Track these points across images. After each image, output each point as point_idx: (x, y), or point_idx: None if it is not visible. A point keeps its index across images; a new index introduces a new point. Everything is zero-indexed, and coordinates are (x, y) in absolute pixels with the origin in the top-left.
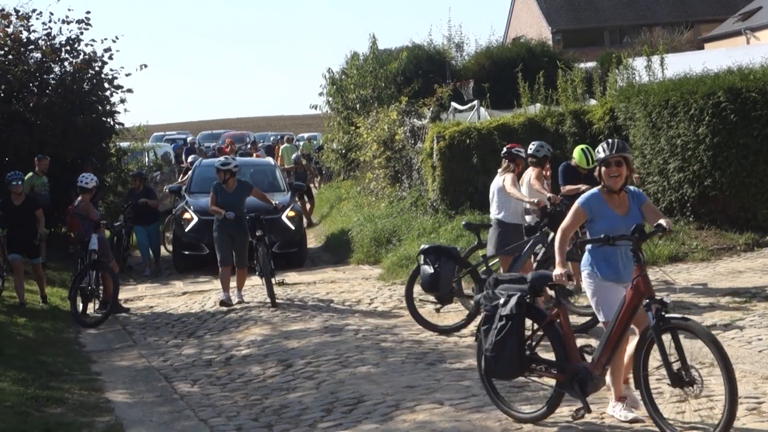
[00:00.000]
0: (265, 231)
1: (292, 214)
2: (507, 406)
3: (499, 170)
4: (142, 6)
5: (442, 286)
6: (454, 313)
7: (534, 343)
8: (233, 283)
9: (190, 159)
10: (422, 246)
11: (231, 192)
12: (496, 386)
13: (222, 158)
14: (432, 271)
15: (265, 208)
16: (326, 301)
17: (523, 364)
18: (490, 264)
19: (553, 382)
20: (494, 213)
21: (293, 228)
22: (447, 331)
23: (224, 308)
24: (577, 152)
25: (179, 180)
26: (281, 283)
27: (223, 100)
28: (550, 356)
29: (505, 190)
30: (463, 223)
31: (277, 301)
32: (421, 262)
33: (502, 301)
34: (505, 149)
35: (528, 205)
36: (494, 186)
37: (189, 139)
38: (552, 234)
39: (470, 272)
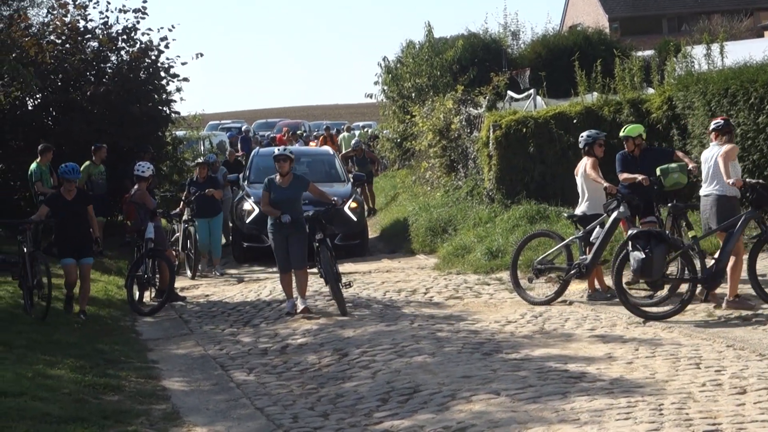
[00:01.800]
0: (326, 233)
1: (354, 205)
2: None
3: (713, 143)
4: None
5: (655, 271)
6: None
7: None
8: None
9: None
10: (630, 231)
11: (286, 187)
12: None
13: (281, 148)
14: (643, 256)
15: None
16: (382, 291)
17: None
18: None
19: None
20: (712, 187)
21: (355, 219)
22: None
23: (285, 306)
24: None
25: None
26: (348, 286)
27: (278, 89)
28: None
29: (722, 163)
30: (670, 206)
31: (348, 308)
32: (629, 248)
33: None
34: (721, 121)
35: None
36: (710, 159)
37: (244, 128)
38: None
39: (682, 254)
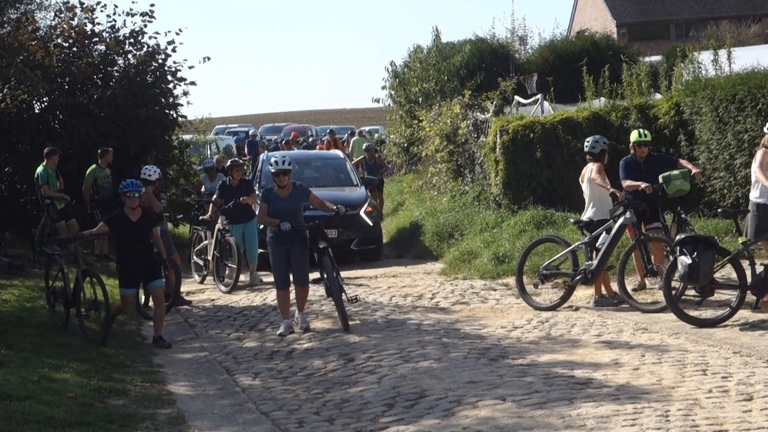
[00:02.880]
0: (329, 242)
1: (369, 209)
2: None
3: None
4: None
5: (702, 277)
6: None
7: None
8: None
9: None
10: (678, 237)
11: (285, 198)
12: None
13: (281, 157)
14: (690, 261)
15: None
16: (388, 296)
17: None
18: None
19: None
20: (754, 197)
21: (371, 224)
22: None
23: (281, 328)
24: (633, 134)
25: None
26: (354, 301)
27: (285, 93)
28: None
29: (760, 172)
30: (719, 211)
31: (350, 323)
32: (677, 253)
33: None
34: None
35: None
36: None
37: (251, 131)
38: None
39: (731, 260)
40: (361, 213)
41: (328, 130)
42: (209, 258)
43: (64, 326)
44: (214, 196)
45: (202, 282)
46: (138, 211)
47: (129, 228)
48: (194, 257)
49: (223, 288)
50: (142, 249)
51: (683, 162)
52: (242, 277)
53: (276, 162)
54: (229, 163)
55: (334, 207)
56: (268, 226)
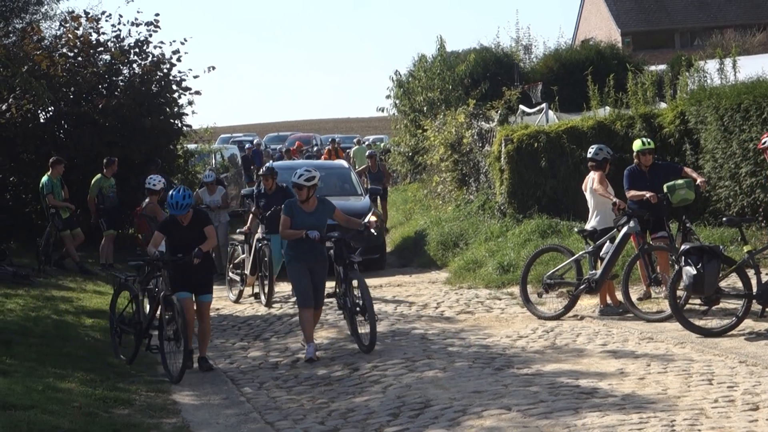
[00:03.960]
0: (357, 256)
1: (373, 219)
2: None
3: None
4: (210, 8)
5: (707, 287)
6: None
7: None
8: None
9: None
10: (683, 247)
11: (310, 213)
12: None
13: (302, 171)
14: (695, 272)
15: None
16: (393, 305)
17: None
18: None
19: None
20: None
21: (375, 234)
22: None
23: (306, 352)
24: (636, 143)
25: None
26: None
27: (289, 102)
28: None
29: None
30: (724, 219)
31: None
32: (682, 263)
33: None
34: None
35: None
36: None
37: (255, 141)
38: None
39: (736, 270)
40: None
41: (330, 139)
42: (246, 272)
43: (131, 360)
44: (253, 207)
45: (237, 300)
46: (189, 215)
47: (181, 233)
48: (229, 273)
49: (263, 299)
50: (194, 247)
51: (688, 170)
52: (276, 289)
53: (300, 175)
54: (263, 170)
55: (364, 222)
56: (291, 239)
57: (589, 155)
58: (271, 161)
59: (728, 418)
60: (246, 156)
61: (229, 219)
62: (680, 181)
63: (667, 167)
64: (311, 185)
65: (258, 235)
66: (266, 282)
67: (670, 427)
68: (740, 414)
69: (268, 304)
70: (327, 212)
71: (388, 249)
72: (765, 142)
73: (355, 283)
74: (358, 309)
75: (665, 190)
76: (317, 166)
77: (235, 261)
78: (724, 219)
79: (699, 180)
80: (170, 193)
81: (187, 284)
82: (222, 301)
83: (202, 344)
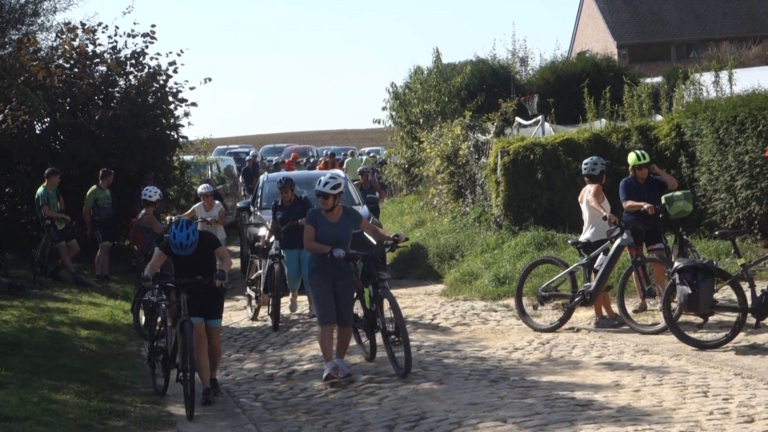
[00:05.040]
0: (388, 275)
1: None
2: None
3: None
4: (207, 20)
5: (702, 305)
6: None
7: None
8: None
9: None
10: (676, 264)
11: (335, 223)
12: None
13: (327, 178)
14: (690, 291)
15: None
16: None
17: None
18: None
19: None
20: None
21: (375, 242)
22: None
23: (325, 370)
24: (631, 157)
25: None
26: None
27: (285, 114)
28: None
29: None
30: (717, 232)
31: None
32: (677, 281)
33: None
34: None
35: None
36: None
37: (251, 152)
38: None
39: (731, 284)
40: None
41: (326, 152)
42: (261, 290)
43: (163, 393)
44: (269, 222)
45: (254, 318)
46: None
47: (187, 260)
48: (248, 289)
49: (275, 323)
50: (202, 272)
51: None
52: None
53: (325, 183)
54: (281, 182)
55: (390, 234)
56: (315, 252)
57: (584, 171)
58: (266, 173)
59: (723, 430)
60: (247, 168)
61: (226, 237)
62: (678, 193)
63: (662, 180)
64: (337, 193)
65: (271, 251)
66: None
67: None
68: (735, 426)
69: (275, 328)
70: (353, 222)
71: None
72: None
73: (386, 302)
74: (391, 330)
75: (663, 201)
76: (314, 176)
77: (252, 277)
78: (716, 232)
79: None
80: (172, 230)
81: (197, 308)
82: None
83: (213, 366)
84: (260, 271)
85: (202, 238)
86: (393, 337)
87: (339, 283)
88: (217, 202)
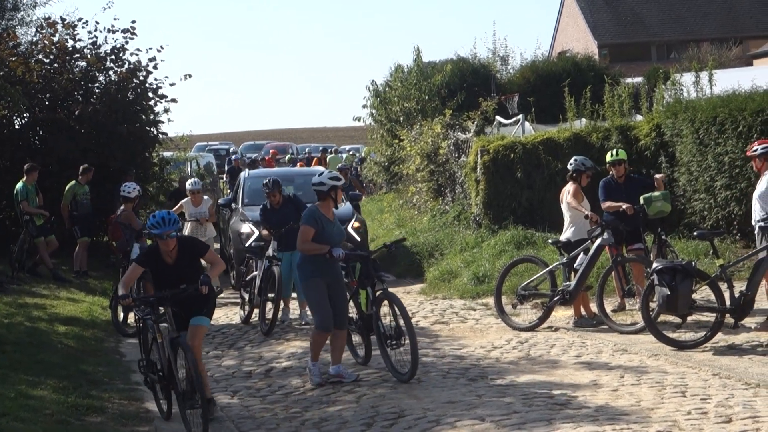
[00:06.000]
0: (388, 278)
1: (357, 225)
2: None
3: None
4: (187, 16)
5: (681, 306)
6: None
7: None
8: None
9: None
10: (655, 265)
11: (333, 221)
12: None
13: (325, 171)
14: (668, 292)
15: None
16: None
17: None
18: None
19: None
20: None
21: (359, 240)
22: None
23: (313, 376)
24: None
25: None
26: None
27: (266, 111)
28: None
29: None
30: (696, 233)
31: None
32: (656, 282)
33: None
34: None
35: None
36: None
37: (231, 149)
38: None
39: (709, 284)
40: (349, 229)
41: (306, 150)
42: (255, 292)
43: (168, 416)
44: (262, 229)
45: (246, 321)
46: (174, 252)
47: (167, 271)
48: (242, 290)
49: (264, 328)
50: (186, 282)
51: (656, 177)
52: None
53: (330, 176)
54: (268, 185)
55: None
56: (311, 253)
57: (569, 168)
58: (247, 170)
59: (701, 430)
60: (233, 167)
61: (216, 234)
62: (657, 193)
63: (642, 180)
64: (341, 184)
65: (269, 252)
66: (271, 306)
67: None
68: (713, 426)
69: (268, 333)
70: (347, 221)
71: None
72: (756, 150)
73: (385, 305)
74: (391, 334)
75: (642, 201)
76: (296, 173)
77: (247, 278)
78: (695, 233)
79: (657, 175)
80: (149, 221)
81: (183, 319)
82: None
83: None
84: (255, 273)
85: (183, 245)
86: (392, 341)
87: (333, 285)
88: (206, 197)
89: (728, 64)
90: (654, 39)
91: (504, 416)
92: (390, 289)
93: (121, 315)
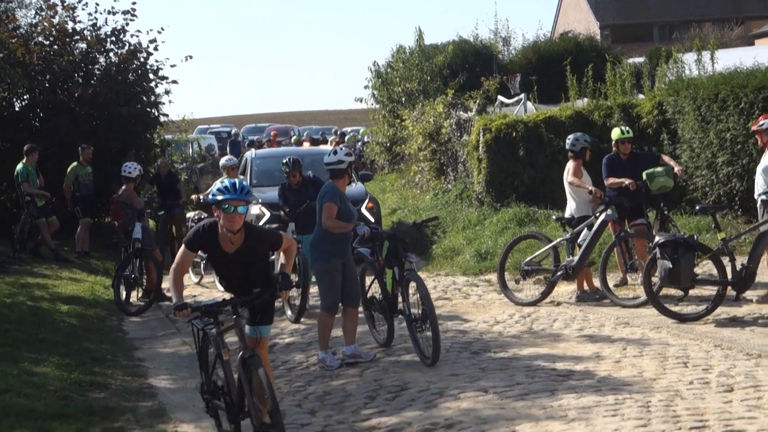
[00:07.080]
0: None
1: (370, 205)
2: None
3: None
4: None
5: (683, 279)
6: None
7: None
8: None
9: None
10: (657, 238)
11: (350, 201)
12: None
13: (337, 148)
14: (671, 265)
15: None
16: (369, 291)
17: None
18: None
19: None
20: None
21: (373, 220)
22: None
23: (326, 360)
24: (615, 131)
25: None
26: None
27: (267, 94)
28: None
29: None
30: (698, 207)
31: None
32: (658, 255)
33: None
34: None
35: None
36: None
37: (233, 131)
38: None
39: (711, 258)
40: (363, 209)
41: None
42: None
43: None
44: (261, 200)
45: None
46: (239, 239)
47: (225, 259)
48: None
49: (289, 314)
50: (250, 280)
51: (665, 158)
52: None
53: (344, 153)
54: (288, 165)
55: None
56: (335, 231)
57: (567, 146)
58: (253, 150)
59: (703, 399)
60: (233, 140)
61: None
62: (659, 169)
63: (645, 156)
64: (353, 160)
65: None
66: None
67: (646, 408)
68: (715, 395)
69: (297, 320)
70: (361, 200)
71: None
72: (763, 124)
73: (412, 286)
74: (417, 315)
75: (644, 177)
76: (305, 153)
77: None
78: (697, 207)
79: (676, 168)
80: (214, 187)
81: (251, 315)
82: (199, 288)
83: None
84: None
85: (251, 235)
86: (417, 323)
87: (347, 261)
88: (241, 176)
89: (730, 44)
90: (656, 20)
91: (507, 388)
92: None
93: (124, 294)
